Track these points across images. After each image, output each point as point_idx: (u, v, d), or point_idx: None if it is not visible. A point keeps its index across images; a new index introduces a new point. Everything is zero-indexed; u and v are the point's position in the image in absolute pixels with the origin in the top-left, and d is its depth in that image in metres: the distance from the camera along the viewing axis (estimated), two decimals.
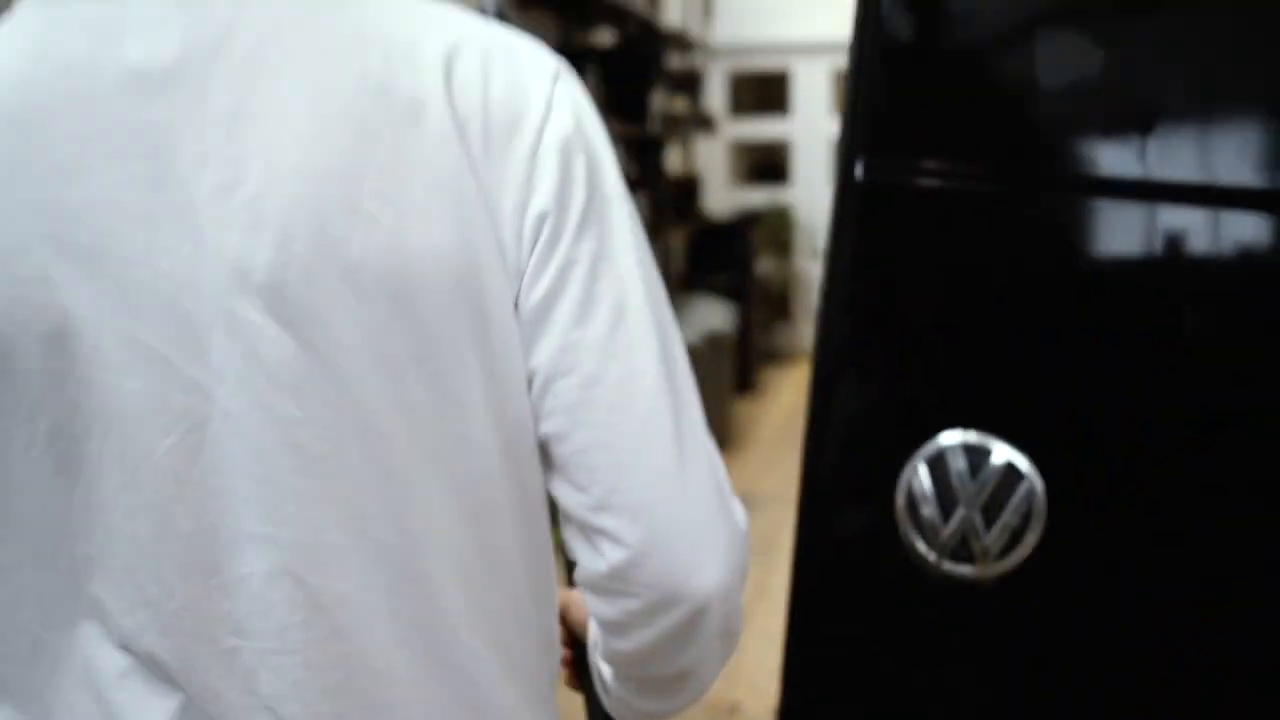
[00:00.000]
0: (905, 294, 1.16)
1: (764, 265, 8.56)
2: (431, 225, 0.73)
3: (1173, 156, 1.10)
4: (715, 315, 6.49)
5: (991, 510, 1.07)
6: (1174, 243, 1.09)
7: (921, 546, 1.10)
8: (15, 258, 0.72)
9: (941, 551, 1.09)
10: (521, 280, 0.76)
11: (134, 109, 0.72)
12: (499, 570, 0.80)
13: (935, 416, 1.10)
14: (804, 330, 9.13)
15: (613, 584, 0.76)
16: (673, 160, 7.18)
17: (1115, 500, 1.09)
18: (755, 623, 3.89)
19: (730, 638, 0.82)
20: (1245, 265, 1.09)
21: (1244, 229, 1.09)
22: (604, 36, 5.96)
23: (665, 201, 6.42)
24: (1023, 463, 1.07)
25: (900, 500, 1.10)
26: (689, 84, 6.94)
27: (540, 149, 0.75)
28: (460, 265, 0.73)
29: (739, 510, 0.80)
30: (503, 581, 0.81)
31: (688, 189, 7.34)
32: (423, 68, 0.74)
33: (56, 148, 0.72)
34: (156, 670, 0.75)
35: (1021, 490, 1.07)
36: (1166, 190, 1.08)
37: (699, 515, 0.76)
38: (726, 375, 6.41)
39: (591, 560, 0.77)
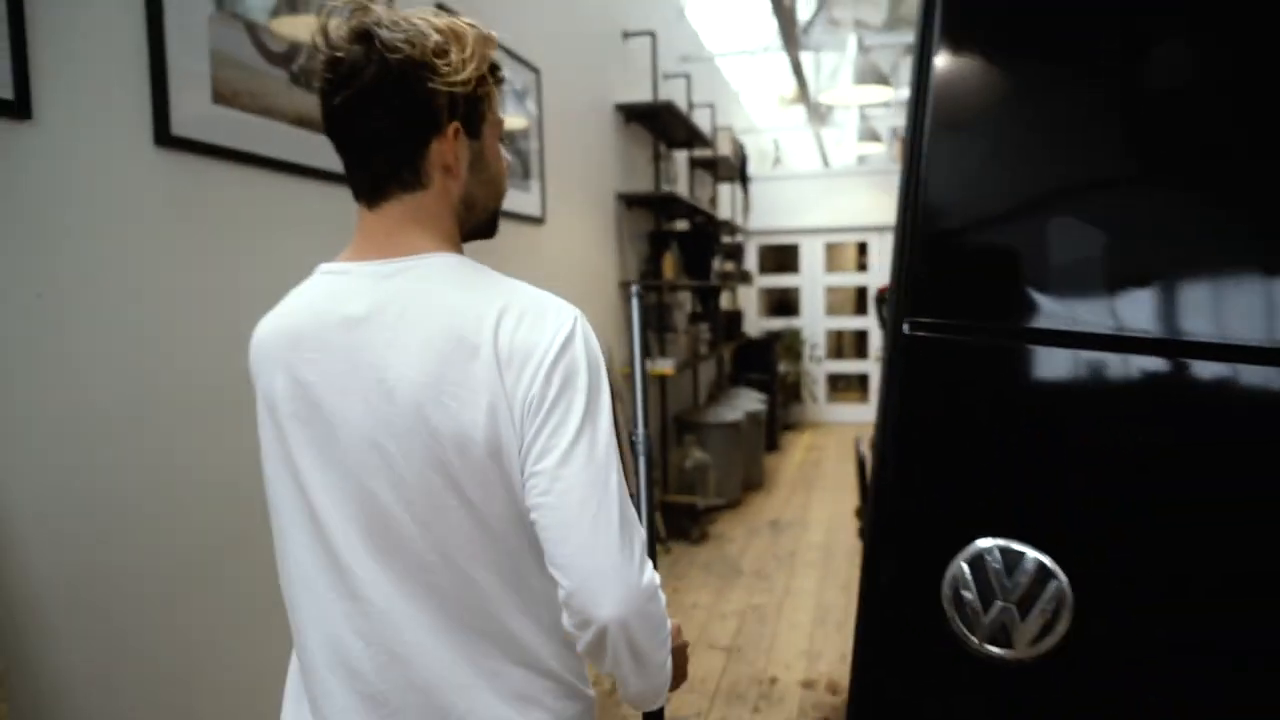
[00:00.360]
0: (945, 424, 0.94)
1: (783, 367, 8.42)
2: (477, 413, 0.83)
3: (1143, 313, 0.89)
4: (753, 401, 6.32)
5: (1025, 603, 0.83)
6: (1143, 383, 0.88)
7: (964, 631, 0.86)
8: (272, 398, 0.91)
9: (982, 636, 0.85)
10: (523, 439, 0.84)
11: (342, 335, 0.88)
12: (511, 590, 0.89)
13: (975, 525, 0.87)
14: (808, 408, 8.98)
15: (563, 607, 0.83)
16: (725, 301, 7.04)
17: (1133, 592, 0.84)
18: (784, 616, 3.62)
19: (641, 658, 0.85)
20: (1219, 401, 0.86)
21: (1210, 372, 0.86)
22: (682, 224, 5.87)
23: (720, 328, 6.27)
24: (1050, 563, 0.83)
25: (946, 592, 0.86)
26: (735, 253, 6.82)
27: (539, 370, 0.83)
28: (490, 433, 0.83)
29: (644, 574, 0.84)
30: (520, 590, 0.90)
31: (734, 319, 7.21)
32: (482, 324, 0.84)
33: (303, 349, 0.89)
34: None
35: (1052, 587, 0.82)
36: (1134, 343, 0.88)
37: (604, 572, 0.81)
38: (760, 440, 6.22)
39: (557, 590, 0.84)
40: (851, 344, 9.57)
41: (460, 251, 0.93)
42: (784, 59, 6.25)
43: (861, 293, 9.18)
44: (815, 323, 9.04)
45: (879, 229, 8.58)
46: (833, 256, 9.14)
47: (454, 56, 0.85)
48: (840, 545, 4.73)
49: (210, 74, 1.72)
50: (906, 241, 0.95)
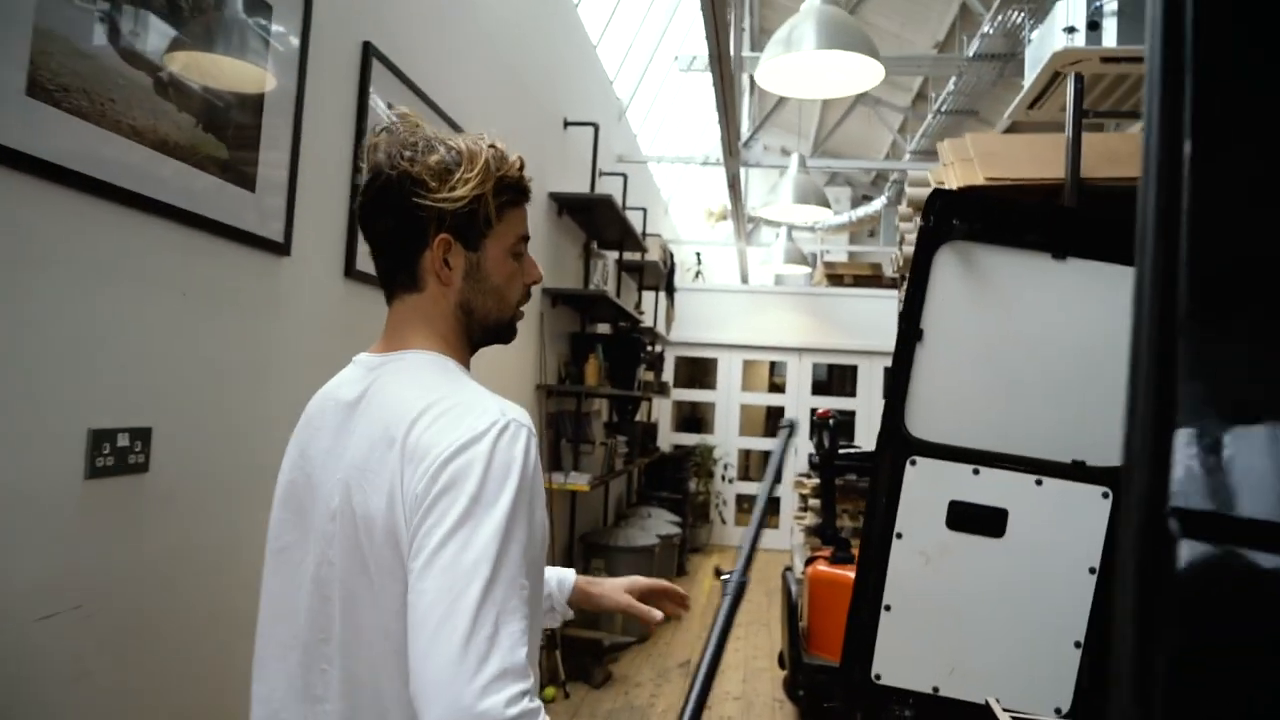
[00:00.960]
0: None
1: (693, 485, 7.99)
2: (380, 500, 0.90)
3: None
4: (665, 523, 5.87)
5: None
6: None
7: None
8: (288, 471, 1.03)
9: None
10: (412, 535, 0.87)
11: (335, 418, 0.99)
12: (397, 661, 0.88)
13: None
14: (716, 529, 8.55)
15: None
16: (641, 413, 6.63)
17: None
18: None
19: None
20: None
21: None
22: (604, 327, 5.49)
23: (636, 441, 5.82)
24: None
25: None
26: (656, 363, 6.48)
27: (432, 468, 0.87)
28: (388, 521, 0.89)
29: (484, 698, 0.79)
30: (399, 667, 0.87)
31: (650, 432, 6.80)
32: (403, 420, 0.91)
33: (311, 425, 1.03)
34: None
35: None
36: None
37: (433, 683, 0.80)
38: (672, 566, 5.72)
39: None
40: (758, 464, 9.28)
41: (456, 352, 1.02)
42: (720, 172, 6.13)
43: (771, 413, 8.96)
44: (729, 440, 8.72)
45: (797, 350, 8.46)
46: (749, 374, 8.94)
47: (456, 175, 0.96)
48: (761, 697, 4.22)
49: (29, 55, 1.23)
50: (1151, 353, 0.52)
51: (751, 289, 9.21)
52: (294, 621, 0.98)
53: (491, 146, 0.99)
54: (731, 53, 4.41)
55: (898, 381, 2.29)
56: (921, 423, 2.31)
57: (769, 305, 8.68)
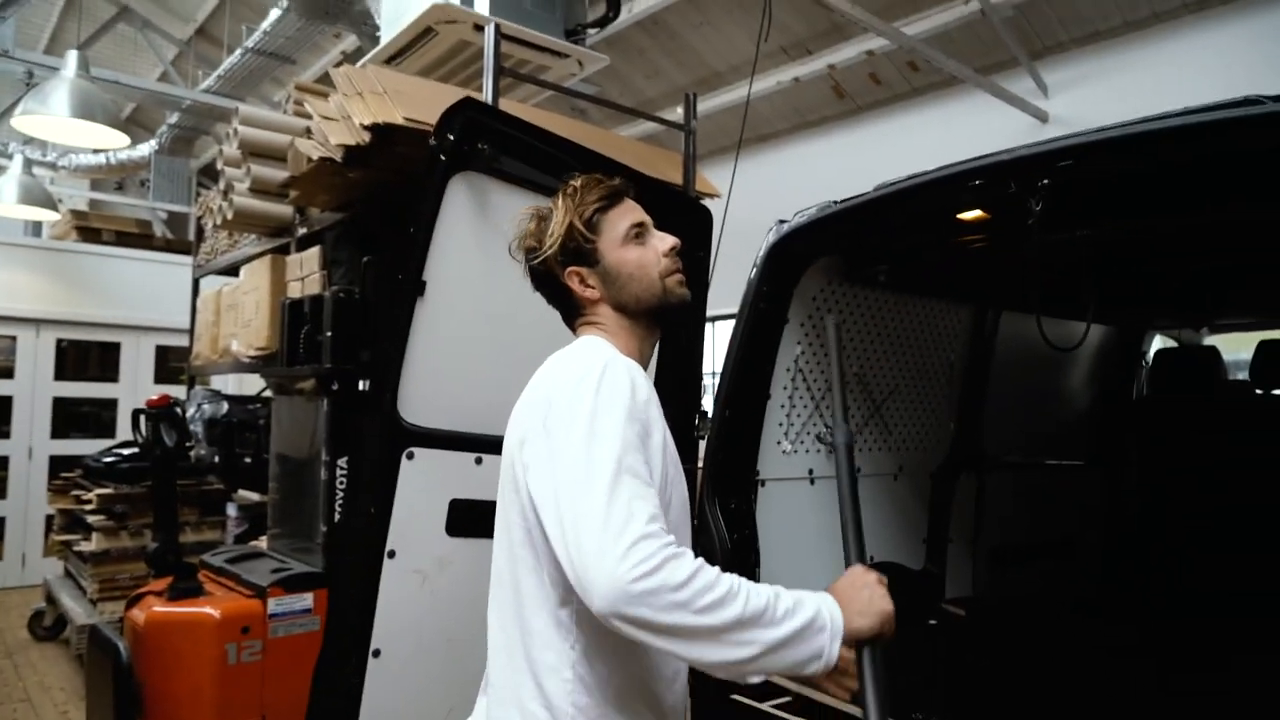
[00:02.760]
0: None
1: None
2: (514, 437, 1.13)
3: None
4: None
5: None
6: None
7: None
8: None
9: None
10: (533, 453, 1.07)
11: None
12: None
13: None
14: None
15: None
16: None
17: None
18: None
19: (665, 636, 0.92)
20: None
21: None
22: None
23: None
24: None
25: None
26: None
27: (550, 395, 1.07)
28: (515, 454, 1.11)
29: (625, 562, 0.91)
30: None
31: None
32: (538, 377, 1.15)
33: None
34: None
35: None
36: None
37: (590, 566, 0.92)
38: None
39: None
40: None
41: (622, 341, 1.20)
42: None
43: None
44: None
45: (34, 321, 6.45)
46: None
47: (549, 227, 1.21)
48: None
49: None
50: None
51: None
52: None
53: (567, 184, 1.24)
54: None
55: (392, 352, 1.73)
56: (419, 404, 1.79)
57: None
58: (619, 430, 0.99)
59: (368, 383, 2.79)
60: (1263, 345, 3.16)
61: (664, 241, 1.23)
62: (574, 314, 1.24)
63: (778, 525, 2.07)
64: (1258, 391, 3.17)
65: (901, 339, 2.51)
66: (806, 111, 5.83)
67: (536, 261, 1.22)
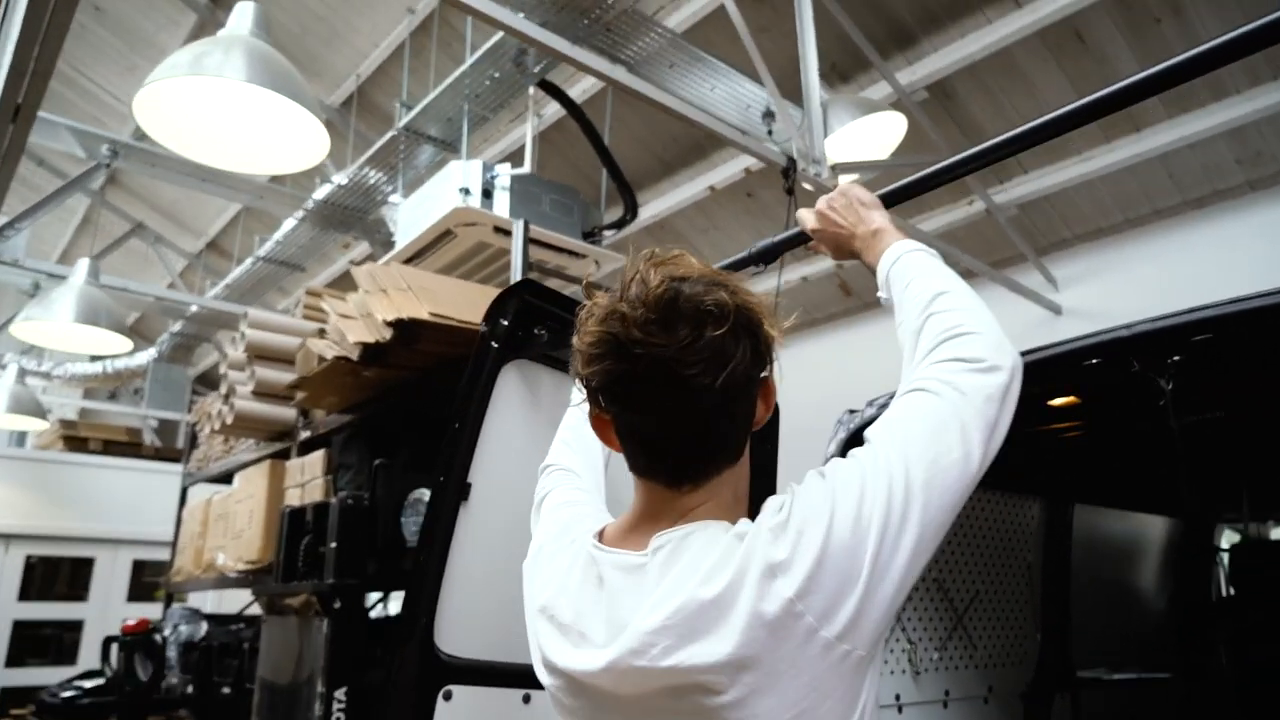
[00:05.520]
0: None
1: None
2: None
3: None
4: None
5: None
6: None
7: None
8: None
9: None
10: None
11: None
12: None
13: None
14: None
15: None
16: None
17: None
18: None
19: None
20: None
21: None
22: None
23: None
24: None
25: None
26: None
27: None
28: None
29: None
30: None
31: None
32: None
33: None
34: None
35: None
36: None
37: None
38: None
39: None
40: None
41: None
42: None
43: None
44: None
45: (2, 536, 6.06)
46: None
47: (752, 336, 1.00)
48: None
49: None
50: None
51: None
52: None
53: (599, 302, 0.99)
54: None
55: (428, 570, 1.48)
56: (459, 631, 1.52)
57: None
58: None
59: (376, 598, 2.50)
60: None
61: None
62: (729, 458, 0.93)
63: None
64: None
65: (976, 538, 2.27)
66: (814, 309, 5.89)
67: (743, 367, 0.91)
